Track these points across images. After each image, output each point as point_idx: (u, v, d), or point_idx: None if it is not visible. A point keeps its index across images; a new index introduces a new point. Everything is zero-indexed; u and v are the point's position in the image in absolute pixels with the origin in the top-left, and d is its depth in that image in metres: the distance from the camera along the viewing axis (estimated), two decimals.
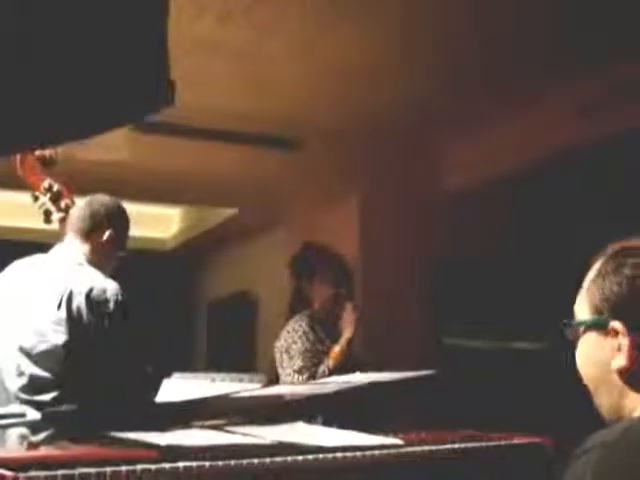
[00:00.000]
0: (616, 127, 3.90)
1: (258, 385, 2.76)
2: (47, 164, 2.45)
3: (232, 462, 1.52)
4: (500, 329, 4.86)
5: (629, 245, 1.14)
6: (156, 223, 7.42)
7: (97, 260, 2.27)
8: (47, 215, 2.44)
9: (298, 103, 4.39)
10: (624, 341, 1.08)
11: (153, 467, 1.44)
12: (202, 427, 1.90)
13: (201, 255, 8.20)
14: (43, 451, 1.57)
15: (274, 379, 2.93)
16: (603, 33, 3.57)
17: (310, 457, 1.61)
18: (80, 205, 2.36)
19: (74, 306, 2.07)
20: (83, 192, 2.40)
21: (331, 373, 2.79)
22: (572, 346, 1.17)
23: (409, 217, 5.26)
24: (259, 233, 6.98)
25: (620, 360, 1.08)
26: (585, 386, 1.16)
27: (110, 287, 2.12)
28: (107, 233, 2.30)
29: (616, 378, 1.09)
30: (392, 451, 1.72)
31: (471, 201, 4.93)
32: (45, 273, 2.20)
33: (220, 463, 1.51)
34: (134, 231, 2.44)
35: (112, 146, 4.70)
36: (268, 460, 1.56)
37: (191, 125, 4.61)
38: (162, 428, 1.75)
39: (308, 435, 1.78)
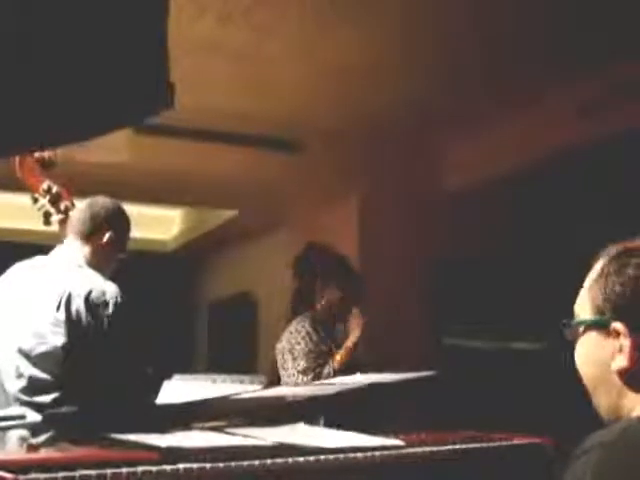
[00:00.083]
0: (616, 127, 3.90)
1: (259, 386, 2.76)
2: (46, 166, 2.45)
3: (233, 464, 1.53)
4: (500, 329, 4.86)
5: (632, 246, 1.13)
6: (157, 225, 7.42)
7: (97, 262, 2.27)
8: (47, 217, 2.43)
9: (298, 104, 4.39)
10: (626, 342, 1.07)
11: (154, 469, 1.45)
12: (203, 429, 1.90)
13: (202, 256, 8.20)
14: (43, 453, 1.57)
15: (275, 380, 2.93)
16: (603, 33, 3.57)
17: (311, 458, 1.61)
18: (80, 207, 2.35)
19: (73, 308, 2.07)
20: (83, 194, 2.40)
21: (335, 374, 2.79)
22: (571, 346, 1.17)
23: (409, 217, 5.25)
24: (260, 234, 6.98)
25: (621, 361, 1.08)
26: (584, 386, 1.16)
27: (109, 289, 2.12)
28: (107, 235, 2.30)
29: (615, 378, 1.09)
30: (393, 452, 1.72)
31: (471, 201, 4.93)
32: (45, 275, 2.19)
33: (221, 465, 1.51)
34: (135, 232, 2.44)
35: (112, 148, 4.70)
36: (269, 461, 1.56)
37: (191, 126, 4.61)
38: (163, 430, 1.75)
39: (309, 436, 1.78)
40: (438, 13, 3.46)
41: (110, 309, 2.09)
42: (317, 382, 2.63)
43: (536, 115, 4.42)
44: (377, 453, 1.69)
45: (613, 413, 1.11)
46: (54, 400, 2.04)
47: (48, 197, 2.42)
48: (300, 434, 1.83)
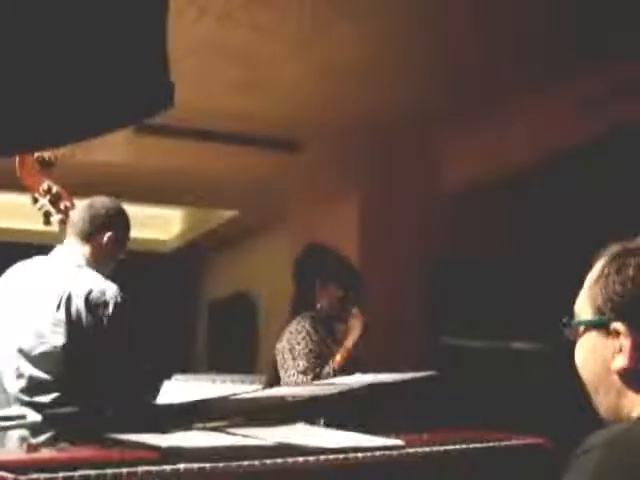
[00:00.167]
0: (617, 126, 3.91)
1: (259, 386, 2.76)
2: (46, 166, 2.45)
3: (233, 464, 1.52)
4: (500, 330, 4.85)
5: (632, 246, 1.13)
6: (157, 224, 7.42)
7: (97, 262, 2.27)
8: (47, 217, 2.43)
9: (298, 103, 4.39)
10: (626, 342, 1.07)
11: (154, 469, 1.44)
12: (203, 429, 1.90)
13: (202, 256, 8.20)
14: (43, 453, 1.57)
15: (274, 380, 2.92)
16: (603, 32, 3.57)
17: (311, 458, 1.61)
18: (81, 207, 2.35)
19: (73, 308, 2.07)
20: (84, 194, 2.40)
21: (335, 374, 2.78)
22: (570, 347, 1.17)
23: (409, 217, 5.25)
24: (260, 234, 6.98)
25: (620, 361, 1.08)
26: (583, 386, 1.16)
27: (109, 289, 2.12)
28: (107, 235, 2.30)
29: (615, 379, 1.09)
30: (393, 452, 1.72)
31: (471, 201, 4.93)
32: (45, 275, 2.19)
33: (221, 465, 1.51)
34: (135, 232, 2.43)
35: (113, 148, 4.70)
36: (269, 462, 1.56)
37: (191, 126, 4.61)
38: (163, 430, 1.75)
39: (309, 436, 1.78)
40: (438, 12, 3.46)
41: (110, 309, 2.09)
42: (317, 382, 2.63)
43: (536, 115, 4.42)
44: (377, 453, 1.69)
45: (613, 413, 1.11)
46: (54, 400, 2.04)
47: (48, 197, 2.42)
48: (300, 434, 1.82)
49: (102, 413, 2.03)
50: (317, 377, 2.78)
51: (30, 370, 2.07)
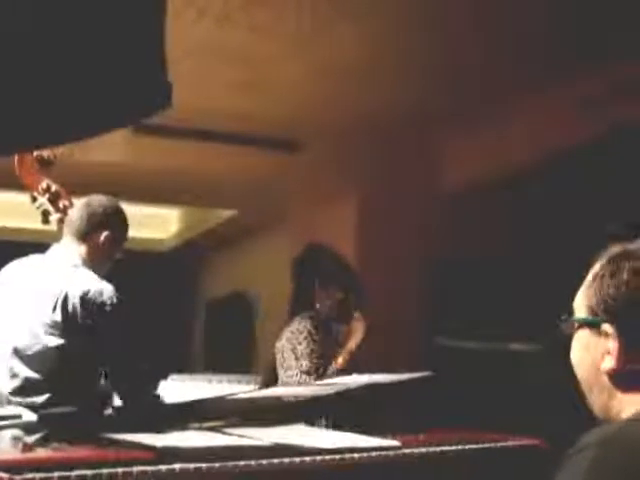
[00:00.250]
0: (616, 126, 3.90)
1: (255, 386, 2.76)
2: (45, 165, 2.45)
3: (229, 464, 1.53)
4: (500, 330, 4.85)
5: (631, 248, 1.14)
6: (155, 224, 7.42)
7: (93, 262, 2.26)
8: (45, 216, 2.43)
9: (297, 103, 4.39)
10: (614, 344, 1.09)
11: (150, 469, 1.44)
12: (199, 429, 1.90)
13: (200, 256, 8.20)
14: (39, 453, 1.57)
15: (271, 380, 2.90)
16: (603, 32, 3.57)
17: (307, 459, 1.61)
18: (78, 206, 2.34)
19: (69, 308, 2.06)
20: (82, 193, 2.39)
21: (336, 375, 2.77)
22: (568, 348, 1.18)
23: (409, 217, 5.25)
24: (258, 234, 6.98)
25: (609, 362, 1.10)
26: (578, 386, 1.17)
27: (106, 289, 2.11)
28: (104, 234, 2.29)
29: (605, 379, 1.11)
30: (390, 453, 1.72)
31: (471, 201, 4.92)
32: (40, 275, 2.19)
33: (217, 465, 1.51)
34: (133, 231, 2.42)
35: (111, 147, 4.70)
36: (265, 462, 1.56)
37: (190, 127, 4.61)
38: (159, 429, 1.75)
39: (306, 437, 1.78)
40: (438, 12, 3.46)
41: (107, 309, 2.08)
42: (313, 382, 2.62)
43: (536, 115, 4.42)
44: (374, 454, 1.69)
45: (604, 413, 1.13)
46: (48, 400, 2.04)
47: (47, 196, 2.42)
48: (297, 434, 1.82)
49: (98, 413, 2.03)
50: (321, 378, 2.76)
51: (24, 370, 2.07)
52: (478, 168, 4.87)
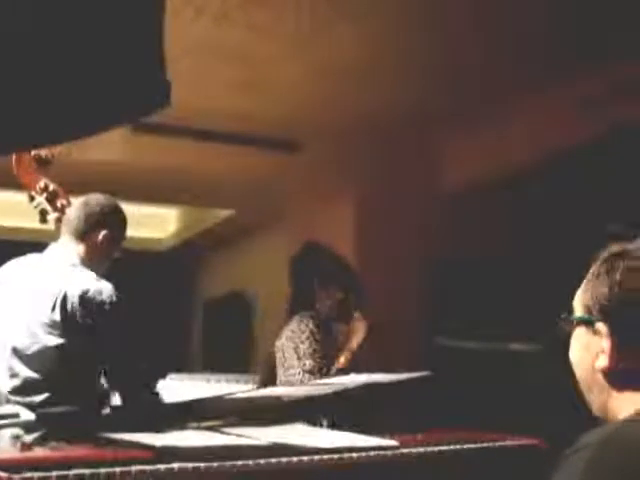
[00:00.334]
0: (616, 126, 3.90)
1: (254, 386, 2.76)
2: (43, 164, 2.45)
3: (227, 463, 1.52)
4: (500, 330, 4.85)
5: (627, 248, 1.15)
6: (153, 223, 7.42)
7: (92, 261, 2.26)
8: (43, 215, 2.43)
9: (296, 103, 4.38)
10: (607, 343, 1.10)
11: (148, 468, 1.44)
12: (197, 428, 1.90)
13: (198, 255, 8.20)
14: (37, 452, 1.57)
15: (270, 379, 2.89)
16: (603, 32, 3.57)
17: (305, 458, 1.60)
18: (76, 205, 2.34)
19: (69, 308, 2.06)
20: (80, 192, 2.39)
21: (338, 375, 2.76)
22: (567, 348, 1.19)
23: (409, 217, 5.25)
24: (256, 233, 6.98)
25: (602, 360, 1.11)
26: (577, 385, 1.18)
27: (105, 289, 2.11)
28: (102, 233, 2.28)
29: (600, 377, 1.12)
30: (388, 452, 1.72)
31: (471, 201, 4.92)
32: (39, 274, 2.18)
33: (215, 464, 1.51)
34: (131, 231, 2.42)
35: (109, 146, 4.70)
36: (263, 461, 1.56)
37: (188, 126, 4.60)
38: (157, 429, 1.74)
39: (304, 436, 1.78)
40: (438, 12, 3.45)
41: (106, 308, 2.08)
42: (312, 382, 2.61)
43: (536, 115, 4.41)
44: (372, 453, 1.69)
45: (602, 412, 1.14)
46: (46, 400, 2.04)
47: (45, 195, 2.42)
48: (295, 434, 1.82)
49: (96, 412, 2.03)
50: (324, 377, 2.74)
51: (23, 370, 2.07)
52: (478, 168, 4.87)
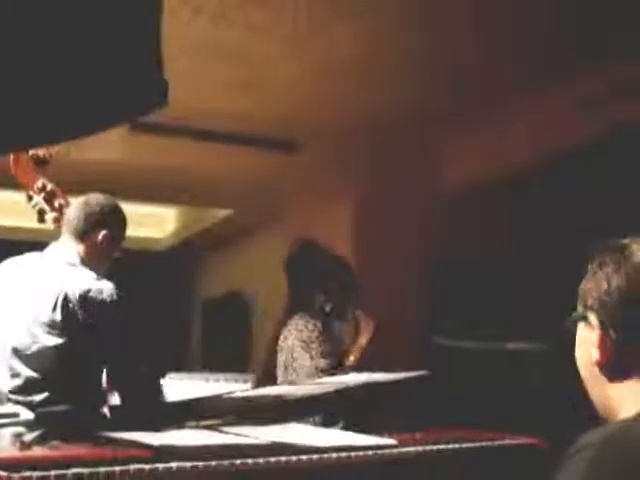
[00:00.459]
0: (616, 126, 3.90)
1: (253, 385, 2.75)
2: (41, 163, 2.45)
3: (226, 462, 1.52)
4: (500, 330, 4.85)
5: (619, 244, 1.17)
6: (152, 222, 7.41)
7: (91, 261, 2.26)
8: (41, 214, 2.44)
9: (294, 103, 4.38)
10: (597, 334, 1.12)
11: (146, 467, 1.44)
12: (196, 427, 1.90)
13: (196, 255, 8.20)
14: (36, 451, 1.56)
15: (267, 379, 2.88)
16: (603, 32, 3.57)
17: (304, 457, 1.60)
18: (76, 205, 2.34)
19: (70, 308, 2.06)
20: (78, 192, 2.39)
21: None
22: (566, 347, 1.19)
23: (409, 217, 5.24)
24: (255, 233, 6.98)
25: (595, 353, 1.12)
26: (581, 384, 1.18)
27: (106, 288, 2.11)
28: (102, 233, 2.28)
29: (597, 371, 1.13)
30: (386, 451, 1.72)
31: (471, 201, 4.92)
32: (39, 274, 2.18)
33: (214, 463, 1.51)
34: (129, 230, 2.42)
35: (107, 146, 4.70)
36: (262, 460, 1.56)
37: (186, 125, 4.61)
38: (156, 428, 1.75)
39: (302, 435, 1.78)
40: (438, 12, 3.45)
41: (107, 308, 2.08)
42: (311, 381, 2.61)
43: (536, 115, 4.41)
44: (370, 452, 1.69)
45: (603, 407, 1.14)
46: (46, 399, 2.04)
47: (42, 195, 2.42)
48: (293, 433, 1.82)
49: (95, 411, 2.03)
50: (336, 375, 2.73)
51: (24, 369, 2.07)
52: (478, 168, 4.87)
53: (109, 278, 2.18)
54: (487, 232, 4.85)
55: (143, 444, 1.54)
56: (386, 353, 3.50)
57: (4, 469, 1.34)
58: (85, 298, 2.06)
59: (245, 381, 3.35)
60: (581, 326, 1.16)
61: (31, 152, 2.41)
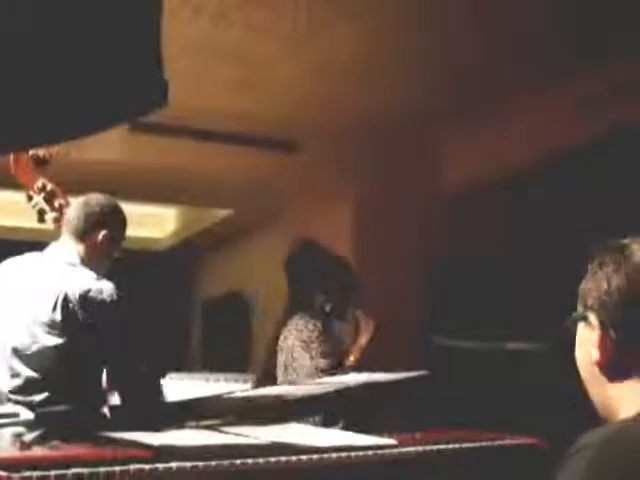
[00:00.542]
0: (616, 126, 3.90)
1: (252, 385, 2.75)
2: (41, 163, 2.45)
3: (226, 462, 1.52)
4: (500, 330, 4.85)
5: (618, 244, 1.17)
6: (151, 222, 7.41)
7: (91, 261, 2.26)
8: (41, 214, 2.44)
9: (294, 103, 4.38)
10: (597, 334, 1.12)
11: (146, 467, 1.44)
12: (196, 427, 1.90)
13: (196, 255, 8.20)
14: (36, 451, 1.56)
15: (267, 379, 2.88)
16: (603, 32, 3.57)
17: (304, 457, 1.60)
18: (76, 205, 2.34)
19: (70, 308, 2.06)
20: (78, 192, 2.39)
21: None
22: (565, 347, 1.19)
23: (409, 217, 5.24)
24: (255, 233, 6.98)
25: (595, 353, 1.12)
26: (581, 384, 1.18)
27: (106, 288, 2.11)
28: (102, 233, 2.28)
29: (597, 371, 1.13)
30: (386, 451, 1.72)
31: (471, 201, 4.92)
32: (39, 274, 2.18)
33: (214, 463, 1.51)
34: (129, 230, 2.42)
35: (107, 146, 4.70)
36: (262, 460, 1.56)
37: (186, 125, 4.61)
38: (156, 428, 1.75)
39: (302, 435, 1.78)
40: (438, 12, 3.45)
41: (107, 308, 2.08)
42: (310, 381, 2.61)
43: (536, 115, 4.41)
44: (370, 452, 1.69)
45: (603, 409, 1.14)
46: (46, 399, 2.04)
47: (42, 195, 2.42)
48: (293, 433, 1.82)
49: (95, 411, 2.03)
50: (336, 375, 2.73)
51: (24, 369, 2.07)
52: (478, 168, 4.87)
53: (109, 278, 2.18)
54: (487, 232, 4.85)
55: (143, 444, 1.54)
56: (386, 353, 3.50)
57: (4, 469, 1.34)
58: (85, 298, 2.06)
59: (245, 381, 3.36)
60: (581, 326, 1.16)
61: (31, 152, 2.41)
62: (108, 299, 2.08)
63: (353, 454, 1.67)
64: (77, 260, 2.23)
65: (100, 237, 2.28)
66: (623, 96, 3.85)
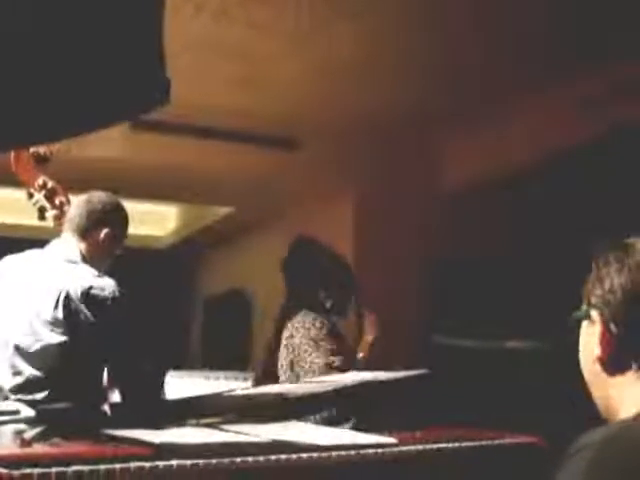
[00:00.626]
0: (616, 126, 3.90)
1: (253, 383, 2.75)
2: (42, 161, 2.45)
3: (226, 460, 1.52)
4: (500, 329, 4.85)
5: (623, 242, 1.18)
6: (152, 220, 7.41)
7: (93, 258, 2.26)
8: (41, 212, 2.44)
9: (295, 101, 4.39)
10: (598, 330, 1.13)
11: (147, 465, 1.44)
12: (196, 425, 1.90)
13: (197, 253, 8.21)
14: (36, 448, 1.56)
15: (267, 377, 2.87)
16: (603, 32, 3.57)
17: (304, 455, 1.60)
18: (78, 202, 2.34)
19: (72, 306, 2.06)
20: (79, 189, 2.39)
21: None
22: (566, 346, 1.20)
23: (409, 217, 5.25)
24: (256, 231, 6.99)
25: (597, 349, 1.13)
26: (583, 383, 1.19)
27: (108, 285, 2.11)
28: (104, 231, 2.29)
29: (599, 369, 1.14)
30: (386, 450, 1.72)
31: (471, 201, 4.92)
32: (40, 271, 2.18)
33: (214, 461, 1.51)
34: (130, 228, 2.42)
35: (109, 143, 4.70)
36: (262, 458, 1.56)
37: (188, 123, 4.61)
38: (157, 426, 1.75)
39: (303, 433, 1.78)
40: (438, 12, 3.46)
41: (109, 305, 2.08)
42: (310, 380, 2.61)
43: (536, 115, 4.42)
44: (370, 451, 1.69)
45: (605, 407, 1.15)
46: (48, 397, 2.04)
47: (43, 192, 2.42)
48: (294, 431, 1.82)
49: (96, 409, 2.03)
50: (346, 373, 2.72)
51: (26, 368, 2.07)
52: (478, 168, 4.87)
53: (110, 276, 2.18)
54: (487, 232, 4.85)
55: (144, 442, 1.54)
56: (386, 353, 3.50)
57: (5, 466, 1.34)
58: (87, 295, 2.06)
59: (245, 379, 3.36)
60: (584, 327, 1.17)
61: (32, 149, 2.41)
62: (110, 296, 2.09)
63: (353, 452, 1.66)
64: (79, 258, 2.23)
65: (102, 235, 2.28)
66: (623, 96, 3.86)
